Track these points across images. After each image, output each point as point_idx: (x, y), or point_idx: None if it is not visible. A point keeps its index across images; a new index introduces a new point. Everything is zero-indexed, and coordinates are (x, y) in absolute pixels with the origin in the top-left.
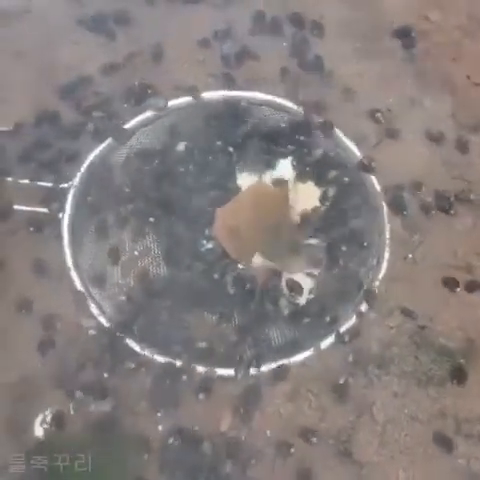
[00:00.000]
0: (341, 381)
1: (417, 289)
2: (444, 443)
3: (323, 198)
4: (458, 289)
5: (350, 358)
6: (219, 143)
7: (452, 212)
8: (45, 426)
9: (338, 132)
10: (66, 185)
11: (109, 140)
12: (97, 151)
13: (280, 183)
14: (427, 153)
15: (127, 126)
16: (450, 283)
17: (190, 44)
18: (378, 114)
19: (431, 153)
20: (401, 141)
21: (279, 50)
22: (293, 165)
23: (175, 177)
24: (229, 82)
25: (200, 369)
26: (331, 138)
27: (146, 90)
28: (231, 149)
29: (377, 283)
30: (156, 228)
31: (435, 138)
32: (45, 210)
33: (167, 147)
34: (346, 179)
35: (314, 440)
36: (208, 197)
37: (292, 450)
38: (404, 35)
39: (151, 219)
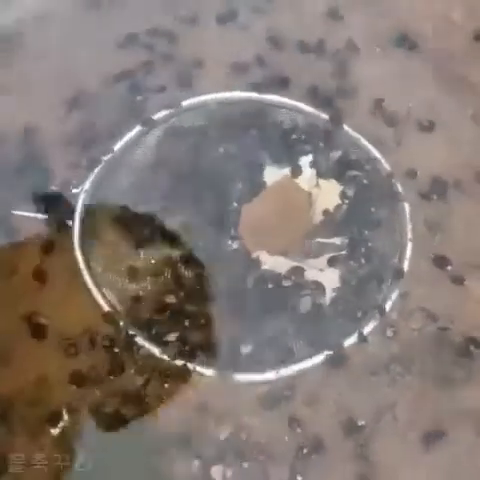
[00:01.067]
0: (363, 381)
1: (439, 289)
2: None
3: (342, 197)
4: None
5: (372, 358)
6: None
7: None
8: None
9: (356, 134)
10: (77, 190)
11: (121, 143)
12: (109, 155)
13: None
14: (445, 154)
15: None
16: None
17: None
18: (398, 115)
19: (451, 154)
20: (422, 142)
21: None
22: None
23: (199, 175)
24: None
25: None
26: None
27: None
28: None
29: (399, 282)
30: (177, 228)
31: (456, 140)
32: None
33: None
34: (365, 181)
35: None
36: (234, 194)
37: (305, 451)
38: (424, 37)
39: (170, 220)
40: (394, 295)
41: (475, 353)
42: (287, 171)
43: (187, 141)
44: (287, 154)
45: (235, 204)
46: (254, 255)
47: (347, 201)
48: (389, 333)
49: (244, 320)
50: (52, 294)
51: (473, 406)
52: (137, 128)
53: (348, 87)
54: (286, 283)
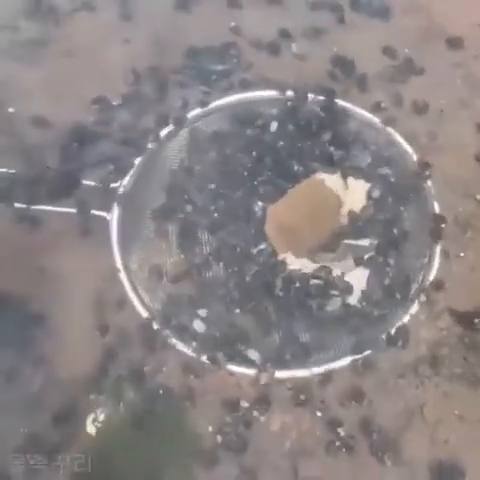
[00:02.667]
0: (391, 382)
1: (467, 289)
2: None
3: (370, 196)
4: None
5: (401, 359)
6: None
7: None
8: (97, 424)
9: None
10: (116, 185)
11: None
12: (147, 152)
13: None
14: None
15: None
16: None
17: None
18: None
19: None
20: (452, 138)
21: None
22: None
23: (231, 176)
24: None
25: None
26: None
27: None
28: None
29: (428, 283)
30: (208, 229)
31: None
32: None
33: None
34: (395, 179)
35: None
36: (260, 195)
37: (337, 444)
38: (455, 41)
39: (203, 220)
40: (422, 295)
41: None
42: (317, 171)
43: (217, 141)
44: (318, 154)
45: (260, 204)
46: (281, 256)
47: (375, 200)
48: (417, 334)
49: (273, 319)
50: None
51: None
52: (170, 127)
53: None
54: (313, 283)
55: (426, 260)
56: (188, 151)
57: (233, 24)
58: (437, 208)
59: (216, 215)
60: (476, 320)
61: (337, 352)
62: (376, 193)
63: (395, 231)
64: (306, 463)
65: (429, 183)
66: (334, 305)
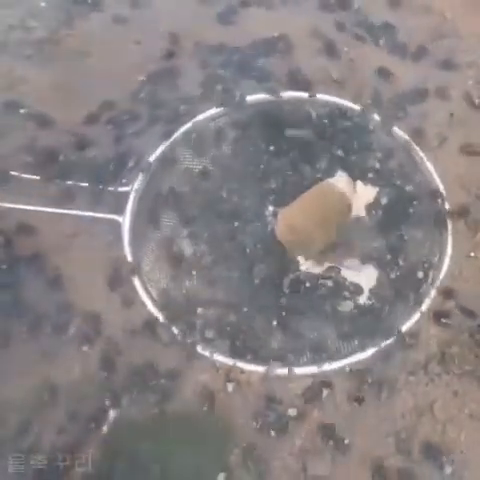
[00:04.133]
0: (402, 380)
1: (478, 288)
2: None
3: (374, 205)
4: None
5: (410, 356)
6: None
7: None
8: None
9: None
10: (126, 189)
11: (167, 143)
12: (157, 153)
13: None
14: None
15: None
16: None
17: None
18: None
19: None
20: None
21: None
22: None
23: (240, 179)
24: None
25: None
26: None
27: None
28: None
29: (438, 282)
30: (217, 230)
31: None
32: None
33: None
34: (403, 182)
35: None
36: (271, 197)
37: (346, 441)
38: None
39: (212, 221)
40: (432, 293)
41: None
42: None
43: (231, 144)
44: (330, 158)
45: (271, 208)
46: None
47: (384, 202)
48: (427, 331)
49: (283, 318)
50: None
51: None
52: (184, 127)
53: None
54: (323, 283)
55: (436, 259)
56: (198, 153)
57: None
58: (447, 206)
59: (227, 218)
60: None
61: (346, 350)
62: (382, 201)
63: (405, 231)
64: (315, 462)
65: (440, 185)
66: (346, 307)
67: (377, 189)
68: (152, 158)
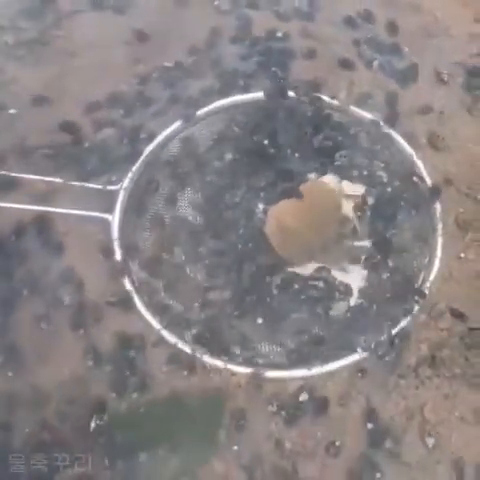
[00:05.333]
0: (392, 381)
1: (469, 290)
2: None
3: (361, 205)
4: None
5: (401, 359)
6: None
7: None
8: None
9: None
10: (116, 187)
11: (156, 142)
12: (147, 152)
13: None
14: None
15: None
16: None
17: None
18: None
19: None
20: (452, 139)
21: None
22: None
23: (229, 175)
24: None
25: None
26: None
27: None
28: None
29: (428, 284)
30: (207, 228)
31: None
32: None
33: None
34: (397, 182)
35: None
36: (260, 196)
37: (337, 443)
38: None
39: (200, 220)
40: (423, 295)
41: None
42: (316, 174)
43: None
44: (318, 156)
45: (261, 206)
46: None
47: (372, 202)
48: (417, 334)
49: (271, 319)
50: None
51: None
52: (174, 125)
53: None
54: (313, 284)
55: (426, 260)
56: (186, 154)
57: None
58: (438, 208)
59: (216, 217)
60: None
61: (337, 353)
62: (369, 201)
63: (395, 231)
64: (305, 464)
65: (428, 182)
66: (339, 309)
67: (364, 188)
68: (139, 159)
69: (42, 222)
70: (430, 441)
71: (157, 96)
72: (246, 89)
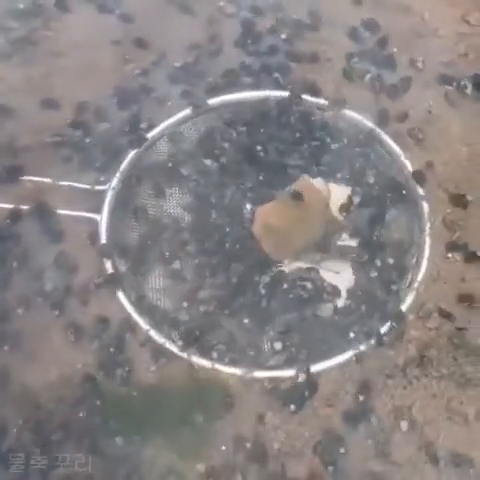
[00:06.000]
0: (379, 383)
1: (456, 290)
2: None
3: (347, 206)
4: None
5: (389, 359)
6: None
7: None
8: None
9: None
10: (104, 187)
11: (146, 143)
12: (133, 153)
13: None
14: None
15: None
16: None
17: None
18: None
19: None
20: (439, 139)
21: None
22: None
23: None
24: None
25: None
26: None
27: None
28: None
29: (416, 284)
30: (194, 228)
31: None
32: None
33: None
34: (385, 183)
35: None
36: (249, 196)
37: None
38: None
39: (188, 220)
40: (411, 295)
41: None
42: (304, 175)
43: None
44: (306, 157)
45: (249, 206)
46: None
47: (359, 202)
48: (406, 334)
49: (259, 319)
50: None
51: None
52: (161, 125)
53: None
54: (301, 284)
55: (414, 260)
56: (174, 152)
57: None
58: (425, 208)
59: (204, 217)
60: None
61: (324, 353)
62: (354, 201)
63: (382, 231)
64: (294, 464)
65: (418, 186)
66: (326, 312)
67: (350, 189)
68: (128, 157)
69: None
70: (419, 440)
71: (144, 96)
72: (235, 89)
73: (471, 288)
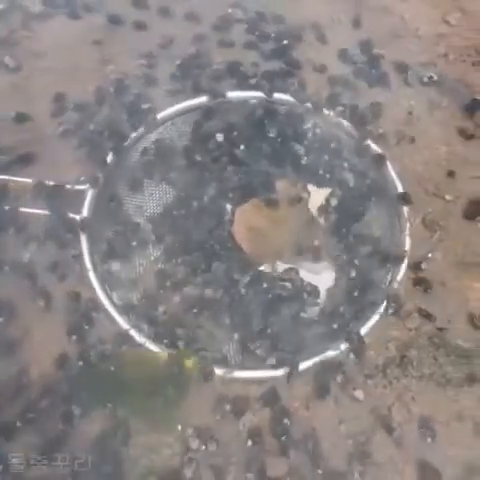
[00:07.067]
0: (360, 381)
1: (436, 290)
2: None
3: (326, 207)
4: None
5: (369, 360)
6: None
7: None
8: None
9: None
10: (84, 187)
11: (126, 142)
12: (115, 151)
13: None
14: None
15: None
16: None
17: None
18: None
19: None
20: (420, 139)
21: None
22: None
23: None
24: None
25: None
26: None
27: None
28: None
29: (396, 284)
30: (174, 229)
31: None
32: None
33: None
34: (368, 181)
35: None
36: (228, 197)
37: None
38: None
39: (168, 220)
40: (391, 295)
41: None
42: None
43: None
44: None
45: (229, 207)
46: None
47: (338, 203)
48: (385, 334)
49: (237, 319)
50: None
51: (471, 406)
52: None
53: None
54: (281, 284)
55: (394, 260)
56: (154, 154)
57: None
58: (406, 208)
59: (184, 218)
60: None
61: (303, 353)
62: (332, 202)
63: (362, 232)
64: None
65: (399, 186)
66: (312, 313)
67: (329, 190)
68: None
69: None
70: (398, 440)
71: (127, 97)
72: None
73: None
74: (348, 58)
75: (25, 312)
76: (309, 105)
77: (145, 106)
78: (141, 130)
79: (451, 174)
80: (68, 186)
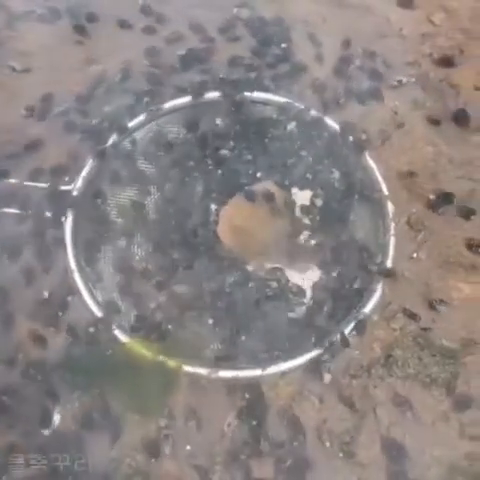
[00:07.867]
0: (344, 383)
1: (420, 289)
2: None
3: (310, 208)
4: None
5: (353, 360)
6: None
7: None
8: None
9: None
10: (68, 187)
11: (111, 140)
12: (99, 151)
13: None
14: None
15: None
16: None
17: None
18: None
19: (436, 152)
20: (405, 139)
21: None
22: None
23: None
24: None
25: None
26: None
27: None
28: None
29: (381, 283)
30: (160, 228)
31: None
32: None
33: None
34: (352, 181)
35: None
36: (213, 196)
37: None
38: None
39: (154, 217)
40: (376, 295)
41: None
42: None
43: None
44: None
45: (213, 206)
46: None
47: (323, 203)
48: (370, 334)
49: (224, 317)
50: None
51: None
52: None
53: None
54: (267, 284)
55: (379, 260)
56: (138, 153)
57: None
58: (390, 208)
59: (169, 218)
60: None
61: (289, 353)
62: (317, 203)
63: (347, 231)
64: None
65: (384, 186)
66: (298, 312)
67: (312, 192)
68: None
69: None
70: (383, 441)
71: (111, 97)
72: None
73: None
74: (332, 58)
75: None
76: (297, 105)
77: (130, 106)
78: (125, 130)
79: (436, 174)
80: (52, 186)
